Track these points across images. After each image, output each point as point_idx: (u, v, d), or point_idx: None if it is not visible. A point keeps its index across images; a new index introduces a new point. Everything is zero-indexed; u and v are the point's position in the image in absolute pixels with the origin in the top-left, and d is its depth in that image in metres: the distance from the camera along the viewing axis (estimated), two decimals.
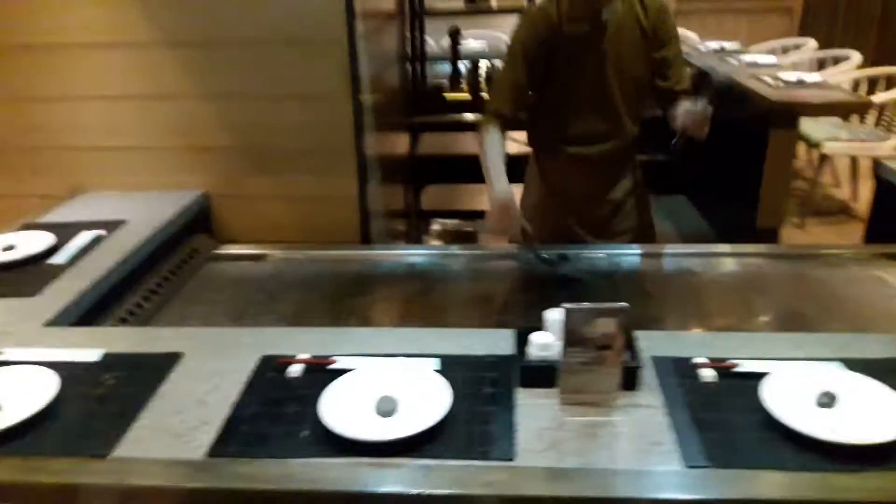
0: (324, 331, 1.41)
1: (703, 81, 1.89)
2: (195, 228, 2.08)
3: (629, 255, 1.99)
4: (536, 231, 2.08)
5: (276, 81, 2.13)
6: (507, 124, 2.02)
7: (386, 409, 1.11)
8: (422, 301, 1.77)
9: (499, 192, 1.87)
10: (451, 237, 3.41)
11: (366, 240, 2.24)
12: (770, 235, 3.50)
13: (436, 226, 3.41)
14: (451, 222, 3.45)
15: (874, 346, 1.29)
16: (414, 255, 2.04)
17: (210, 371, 1.27)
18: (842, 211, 4.55)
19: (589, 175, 2.10)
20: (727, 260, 1.95)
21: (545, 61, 1.96)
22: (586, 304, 1.13)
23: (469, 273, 1.96)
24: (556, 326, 1.23)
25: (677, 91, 1.98)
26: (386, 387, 1.15)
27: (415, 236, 3.26)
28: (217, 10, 2.07)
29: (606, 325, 1.14)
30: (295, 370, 1.25)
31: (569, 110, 2.03)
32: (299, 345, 1.32)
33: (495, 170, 1.92)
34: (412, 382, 1.17)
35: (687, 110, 1.82)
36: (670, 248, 2.07)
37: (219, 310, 1.69)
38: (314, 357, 1.28)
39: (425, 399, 1.13)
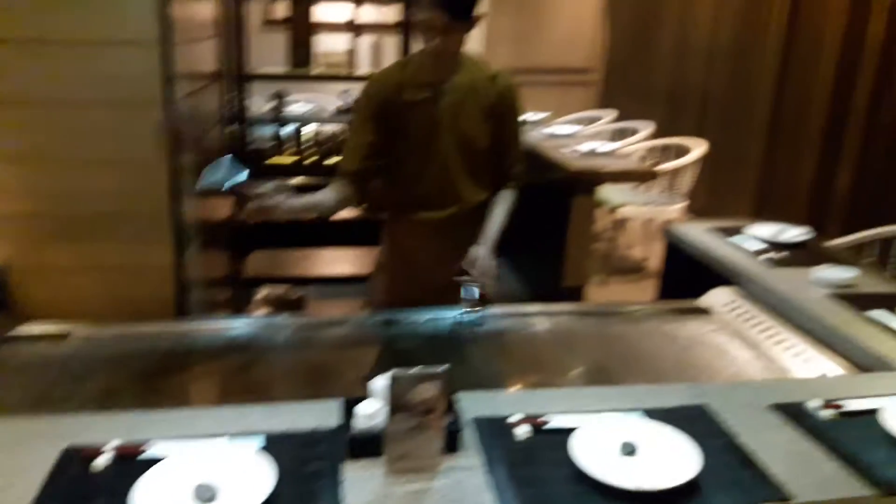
0: (135, 415, 1.31)
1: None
2: None
3: (449, 318, 2.04)
4: (385, 293, 2.11)
5: (87, 143, 2.02)
6: (355, 182, 2.03)
7: (203, 497, 1.06)
8: (244, 376, 1.71)
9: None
10: (278, 304, 3.34)
11: (182, 312, 2.14)
12: (576, 293, 3.78)
13: (261, 293, 3.33)
14: (278, 288, 3.39)
15: (670, 396, 1.43)
16: (235, 326, 1.97)
17: (2, 468, 1.14)
18: (638, 269, 5.01)
19: (434, 240, 2.13)
20: (539, 318, 2.07)
21: (387, 124, 2.01)
22: (409, 370, 1.16)
23: (295, 342, 1.92)
24: (382, 394, 1.25)
25: (507, 176, 2.11)
26: (204, 473, 1.10)
27: (240, 305, 3.15)
28: (21, 66, 1.94)
29: (429, 390, 1.18)
30: (103, 461, 1.16)
31: (410, 175, 2.08)
32: (108, 432, 1.23)
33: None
34: (232, 465, 1.13)
35: (479, 264, 1.95)
36: (488, 310, 2.12)
37: (14, 397, 1.52)
38: (124, 445, 1.19)
39: (246, 483, 1.09)
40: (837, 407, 1.36)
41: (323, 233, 3.58)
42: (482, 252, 1.98)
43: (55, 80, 1.97)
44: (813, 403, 1.38)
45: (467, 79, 2.00)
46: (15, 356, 1.71)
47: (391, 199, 2.15)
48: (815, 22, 4.63)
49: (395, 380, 1.17)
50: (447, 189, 2.06)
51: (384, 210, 2.20)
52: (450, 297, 2.16)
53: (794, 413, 1.36)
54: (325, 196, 2.02)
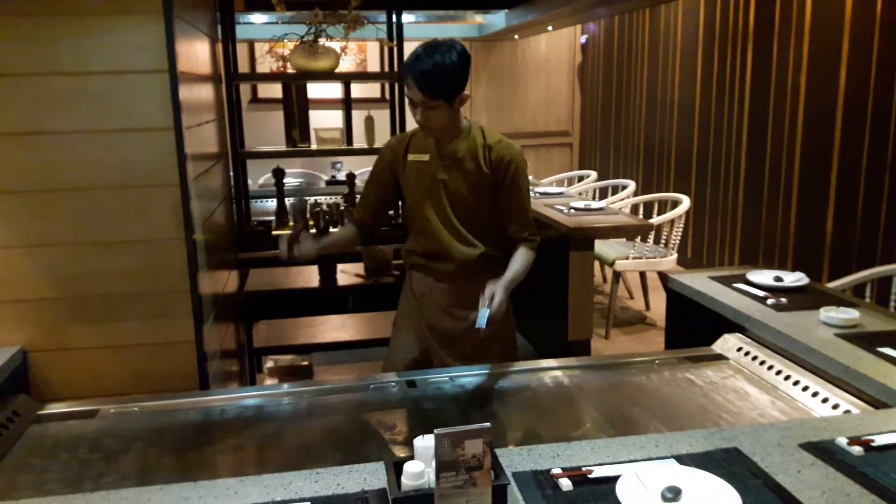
0: (181, 487, 1.31)
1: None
2: (13, 388, 1.88)
3: (469, 375, 2.07)
4: (399, 346, 2.32)
5: (107, 228, 2.07)
6: (361, 227, 2.35)
7: None
8: (276, 444, 1.72)
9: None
10: (285, 373, 3.34)
11: (204, 384, 2.15)
12: (582, 346, 3.82)
13: (269, 363, 3.33)
14: (285, 358, 3.39)
15: (701, 441, 1.46)
16: (256, 396, 1.97)
17: None
18: (639, 320, 5.08)
19: (437, 289, 2.27)
20: (556, 373, 2.10)
21: (396, 182, 2.27)
22: (453, 429, 1.19)
23: (316, 409, 1.93)
24: (426, 453, 1.27)
25: (513, 238, 2.21)
26: None
27: (249, 375, 3.15)
28: (42, 156, 1.99)
29: (475, 447, 1.20)
30: None
31: (414, 230, 2.28)
32: None
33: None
34: None
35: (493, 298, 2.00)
36: (503, 367, 2.15)
37: (53, 476, 1.51)
38: None
39: None
40: (867, 443, 1.40)
41: (324, 300, 3.61)
42: (497, 289, 2.03)
43: (75, 167, 2.02)
44: (842, 440, 1.42)
45: (466, 146, 2.16)
46: (45, 436, 1.70)
47: (406, 249, 2.34)
48: (783, 73, 4.85)
49: (439, 438, 1.19)
50: (442, 244, 2.20)
51: (403, 257, 2.38)
52: (458, 347, 2.20)
53: (824, 451, 1.40)
54: (345, 232, 2.37)
